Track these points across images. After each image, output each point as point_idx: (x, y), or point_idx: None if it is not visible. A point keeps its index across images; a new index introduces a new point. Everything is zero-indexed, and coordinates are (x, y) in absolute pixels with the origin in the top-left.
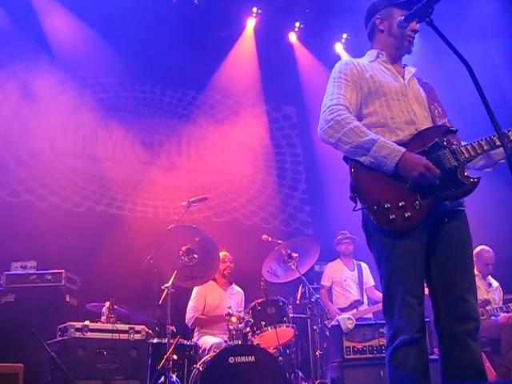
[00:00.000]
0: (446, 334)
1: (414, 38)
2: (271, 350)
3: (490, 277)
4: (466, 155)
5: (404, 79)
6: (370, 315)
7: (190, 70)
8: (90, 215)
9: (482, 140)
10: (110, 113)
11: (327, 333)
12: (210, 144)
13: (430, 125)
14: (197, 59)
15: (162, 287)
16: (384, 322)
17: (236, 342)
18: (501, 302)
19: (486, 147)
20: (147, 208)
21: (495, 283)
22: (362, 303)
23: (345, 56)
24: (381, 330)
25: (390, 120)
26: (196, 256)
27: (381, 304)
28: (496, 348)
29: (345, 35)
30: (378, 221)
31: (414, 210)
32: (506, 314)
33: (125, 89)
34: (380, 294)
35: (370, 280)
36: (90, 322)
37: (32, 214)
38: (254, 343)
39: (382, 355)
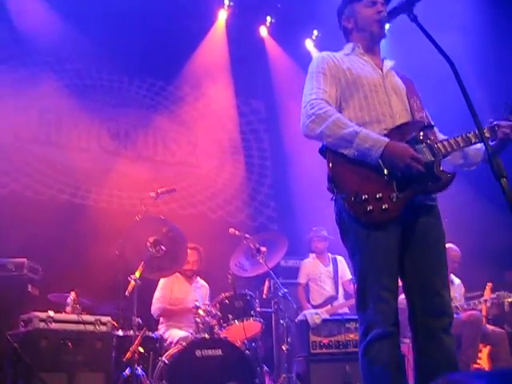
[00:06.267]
0: (421, 330)
1: (382, 22)
2: (238, 344)
3: (452, 275)
4: (443, 151)
5: (382, 71)
6: (345, 310)
7: (160, 60)
8: (53, 204)
9: (458, 137)
10: (76, 101)
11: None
12: (177, 136)
13: (408, 118)
14: (166, 49)
15: (129, 278)
16: (351, 317)
17: (203, 335)
18: (462, 299)
19: (462, 144)
20: (112, 198)
21: (457, 280)
22: (336, 299)
23: (315, 52)
24: (347, 325)
25: (367, 113)
26: (163, 247)
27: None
28: (457, 345)
29: (315, 32)
30: (355, 212)
31: (391, 203)
32: (467, 311)
33: (91, 76)
34: None
35: (346, 273)
36: (55, 312)
37: None
38: (221, 336)
39: (347, 350)
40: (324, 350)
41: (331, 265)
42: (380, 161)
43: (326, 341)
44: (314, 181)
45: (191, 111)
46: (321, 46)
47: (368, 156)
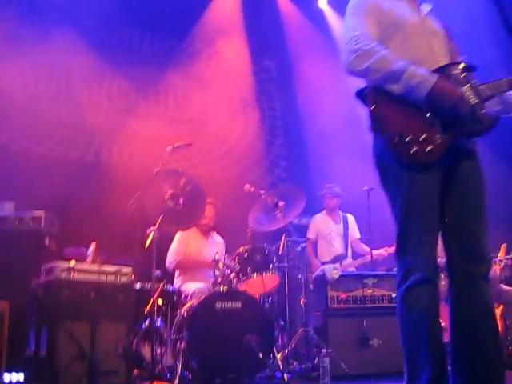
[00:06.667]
0: (459, 275)
1: None
2: (256, 297)
3: None
4: (486, 93)
5: (421, 15)
6: (353, 269)
7: (172, 16)
8: (65, 160)
9: (500, 80)
10: (86, 57)
11: (309, 284)
12: (188, 93)
13: (448, 61)
14: (178, 6)
15: (148, 231)
16: (369, 273)
17: (222, 288)
18: None
19: (504, 88)
20: (124, 155)
21: None
22: (346, 257)
23: (328, 11)
24: (365, 281)
25: (408, 54)
26: (182, 201)
27: (363, 258)
28: None
29: None
30: (399, 153)
31: (434, 144)
32: None
33: (102, 33)
34: (365, 247)
35: (355, 233)
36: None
37: (5, 157)
38: (241, 289)
39: (365, 306)
40: (342, 305)
41: (342, 223)
42: (425, 99)
43: (343, 296)
44: (328, 139)
45: (203, 69)
46: (334, 4)
47: (415, 93)
